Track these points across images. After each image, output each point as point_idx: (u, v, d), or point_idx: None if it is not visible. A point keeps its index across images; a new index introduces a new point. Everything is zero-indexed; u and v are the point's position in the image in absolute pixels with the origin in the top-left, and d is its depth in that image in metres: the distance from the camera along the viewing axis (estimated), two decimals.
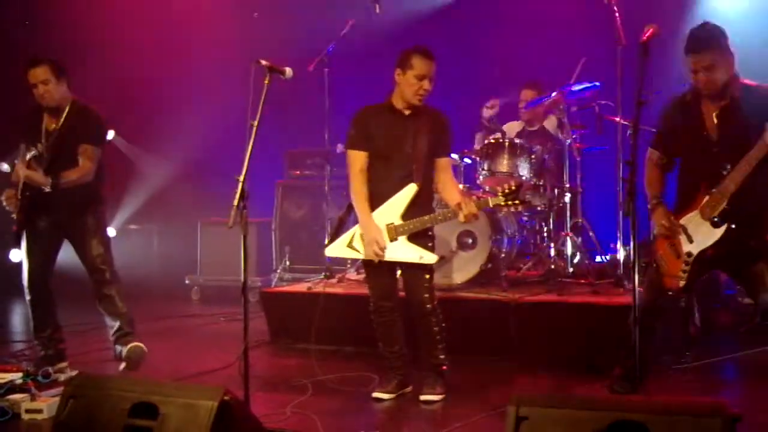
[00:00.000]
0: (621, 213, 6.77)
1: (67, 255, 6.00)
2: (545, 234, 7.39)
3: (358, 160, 5.21)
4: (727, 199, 4.41)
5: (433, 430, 4.79)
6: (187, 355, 6.72)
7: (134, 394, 3.67)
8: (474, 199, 5.20)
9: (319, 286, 7.17)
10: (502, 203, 5.13)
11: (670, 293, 4.69)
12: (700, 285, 5.41)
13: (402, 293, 5.38)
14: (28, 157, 5.62)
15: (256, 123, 4.37)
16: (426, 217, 5.15)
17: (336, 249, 5.38)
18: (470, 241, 6.74)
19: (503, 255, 6.85)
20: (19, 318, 8.87)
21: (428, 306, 5.20)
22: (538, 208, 7.38)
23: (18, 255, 10.04)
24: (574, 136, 7.29)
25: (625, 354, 4.69)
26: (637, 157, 4.35)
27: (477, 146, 7.53)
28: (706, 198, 4.48)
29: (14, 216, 5.73)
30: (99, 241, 5.87)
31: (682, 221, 4.57)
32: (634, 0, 7.15)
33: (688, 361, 5.80)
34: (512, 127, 7.97)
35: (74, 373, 5.39)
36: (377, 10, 7.89)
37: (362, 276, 7.07)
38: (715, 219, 4.44)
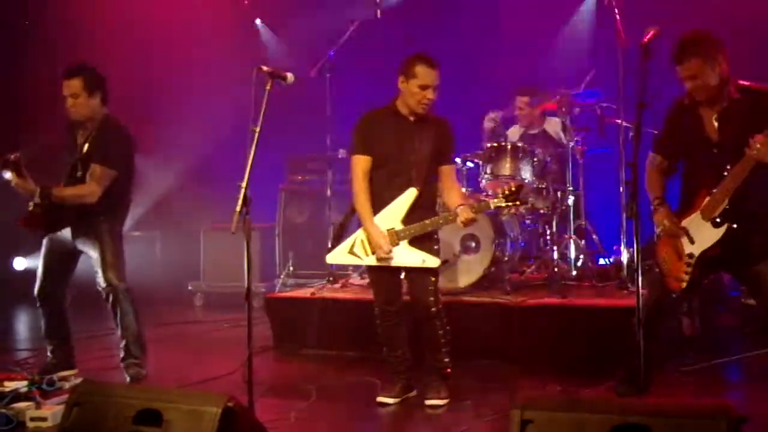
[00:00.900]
0: (624, 215, 6.76)
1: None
2: (548, 237, 7.39)
3: (361, 164, 5.21)
4: (728, 199, 4.41)
5: None
6: (190, 362, 6.72)
7: (138, 401, 3.66)
8: (475, 202, 5.21)
9: (322, 291, 7.18)
10: (503, 204, 5.14)
11: (674, 295, 4.68)
12: (703, 287, 5.41)
13: (406, 297, 5.38)
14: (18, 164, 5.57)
15: (258, 129, 4.37)
16: (427, 221, 5.15)
17: (337, 256, 5.38)
18: (473, 244, 6.74)
19: (506, 258, 6.84)
20: (23, 326, 8.87)
21: (433, 309, 5.20)
22: (541, 211, 7.37)
23: (22, 263, 10.14)
24: (576, 139, 7.28)
25: (630, 356, 4.68)
26: (640, 159, 4.35)
27: None
28: (707, 199, 4.48)
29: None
30: (111, 253, 5.79)
31: (684, 223, 4.57)
32: (635, 1, 7.15)
33: (693, 363, 5.79)
34: (513, 132, 7.97)
35: (79, 380, 5.39)
36: (378, 15, 7.90)
37: (366, 281, 7.08)
38: (716, 219, 4.44)
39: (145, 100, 10.10)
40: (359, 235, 5.25)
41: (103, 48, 9.64)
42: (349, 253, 5.30)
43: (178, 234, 10.48)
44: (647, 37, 4.30)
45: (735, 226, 4.42)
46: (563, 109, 7.21)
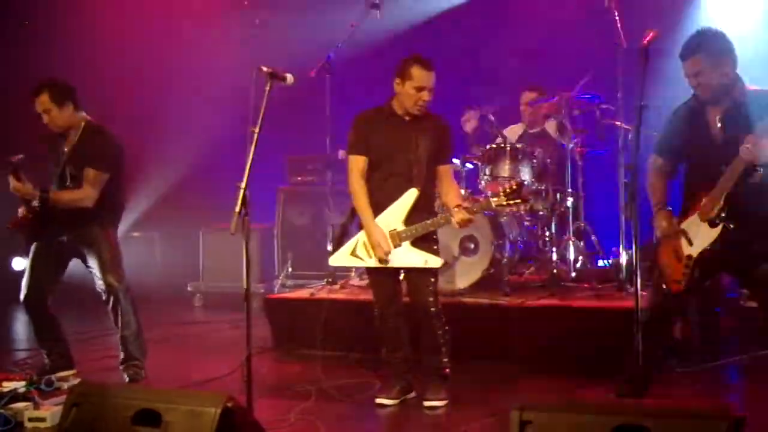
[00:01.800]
0: (623, 216, 6.77)
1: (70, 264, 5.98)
2: (547, 238, 7.38)
3: (357, 164, 5.22)
4: (724, 198, 4.40)
5: None
6: (190, 362, 6.72)
7: (137, 402, 3.66)
8: (475, 202, 5.21)
9: (322, 292, 7.17)
10: (504, 203, 5.14)
11: (675, 297, 4.68)
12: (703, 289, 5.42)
13: (406, 297, 5.38)
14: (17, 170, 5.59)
15: (257, 129, 4.37)
16: (428, 222, 5.15)
17: (340, 258, 5.39)
18: (473, 246, 6.74)
19: (505, 260, 6.84)
20: (22, 326, 8.86)
21: (432, 309, 5.20)
22: (540, 213, 7.37)
23: (21, 263, 10.11)
24: (575, 140, 7.29)
25: (630, 358, 4.68)
26: (639, 161, 4.35)
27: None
28: (704, 200, 4.48)
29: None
30: (109, 255, 5.80)
31: (683, 225, 4.58)
32: (634, 3, 7.15)
33: (694, 365, 5.79)
34: (514, 130, 7.97)
35: (77, 381, 5.39)
36: (378, 16, 7.89)
37: (365, 282, 7.07)
38: (713, 220, 4.44)
39: (144, 100, 10.10)
40: (361, 237, 5.25)
41: (102, 49, 9.66)
42: (351, 255, 5.30)
43: (178, 235, 10.48)
44: (647, 39, 4.31)
45: (732, 226, 4.42)
46: (562, 111, 7.21)
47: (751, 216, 4.47)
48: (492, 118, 7.38)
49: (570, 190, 7.14)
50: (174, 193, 10.66)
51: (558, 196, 7.27)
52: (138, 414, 3.62)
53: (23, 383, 5.15)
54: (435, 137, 5.24)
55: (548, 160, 7.34)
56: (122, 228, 10.38)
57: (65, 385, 5.42)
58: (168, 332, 7.73)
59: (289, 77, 4.64)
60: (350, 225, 5.42)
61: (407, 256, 5.15)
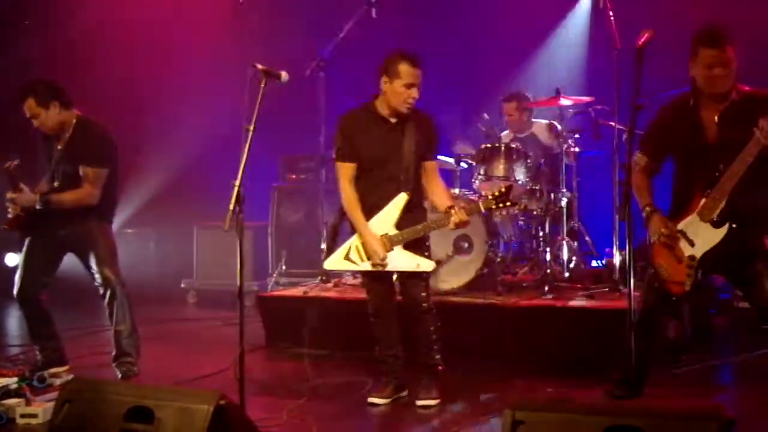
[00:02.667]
0: (617, 217, 6.78)
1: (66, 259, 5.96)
2: (541, 238, 7.38)
3: (347, 172, 5.20)
4: (726, 199, 4.40)
5: None
6: (182, 360, 6.71)
7: (130, 398, 3.66)
8: (466, 204, 5.20)
9: (315, 290, 7.17)
10: (493, 206, 5.13)
11: (674, 299, 4.67)
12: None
13: (399, 296, 5.38)
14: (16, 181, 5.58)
15: (251, 127, 4.36)
16: (419, 227, 5.14)
17: (334, 262, 5.37)
18: (466, 245, 6.74)
19: (499, 259, 6.84)
20: (15, 321, 8.85)
21: (424, 305, 5.21)
22: (534, 213, 7.37)
23: (14, 259, 10.09)
24: (570, 141, 7.29)
25: (623, 358, 4.68)
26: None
27: None
28: (704, 200, 4.46)
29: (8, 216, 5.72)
30: (105, 250, 5.79)
31: (679, 226, 4.56)
32: (629, 4, 7.16)
33: (686, 365, 5.81)
34: (505, 137, 8.00)
35: (70, 377, 5.38)
36: (373, 14, 7.89)
37: (358, 280, 7.07)
38: (716, 220, 4.42)
39: (138, 98, 10.09)
40: (354, 241, 5.23)
41: (97, 47, 9.65)
42: (345, 259, 5.28)
43: (172, 231, 10.47)
44: (641, 39, 4.31)
45: (734, 225, 4.41)
46: (558, 111, 7.22)
47: (750, 215, 4.47)
48: (487, 117, 7.39)
49: (564, 190, 7.15)
50: (168, 190, 10.65)
51: (552, 196, 7.27)
52: (130, 411, 3.61)
53: (15, 379, 5.14)
54: (422, 133, 5.21)
55: (542, 161, 7.35)
56: (116, 224, 10.37)
57: (58, 382, 5.41)
58: (161, 329, 7.71)
59: (284, 74, 4.64)
60: (340, 224, 5.42)
61: (400, 260, 5.14)
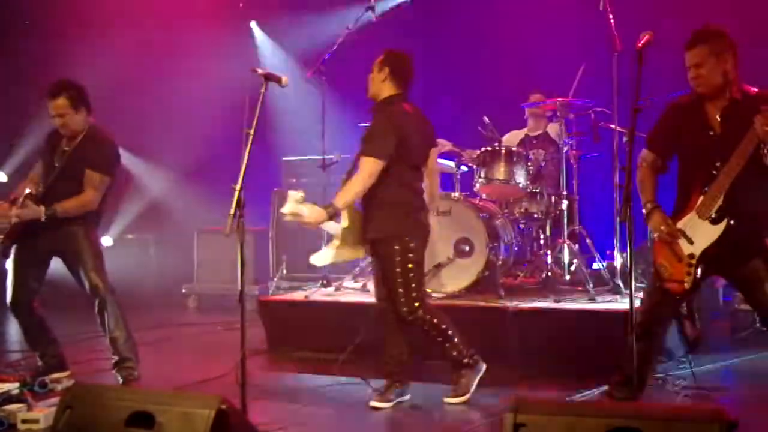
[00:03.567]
0: (617, 219, 6.77)
1: (60, 264, 5.94)
2: (542, 241, 7.39)
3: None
4: (723, 195, 4.39)
5: None
6: (184, 364, 6.71)
7: (131, 404, 3.65)
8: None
9: (316, 294, 7.17)
10: None
11: (677, 298, 4.67)
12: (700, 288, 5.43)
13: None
14: (21, 198, 5.51)
15: (252, 131, 4.37)
16: None
17: (320, 257, 5.36)
18: (467, 248, 6.74)
19: (500, 262, 6.84)
20: (15, 327, 8.83)
21: (404, 311, 5.17)
22: (535, 216, 7.38)
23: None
24: (571, 142, 7.30)
25: (624, 360, 4.67)
26: (634, 164, 4.34)
27: None
28: (701, 198, 4.47)
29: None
30: (92, 257, 5.76)
31: (679, 225, 4.56)
32: (629, 7, 7.17)
33: (687, 367, 5.80)
34: (516, 135, 8.02)
35: (71, 382, 5.37)
36: (374, 19, 7.90)
37: (359, 284, 7.09)
38: (714, 216, 4.42)
39: (139, 102, 10.10)
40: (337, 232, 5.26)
41: (97, 50, 9.64)
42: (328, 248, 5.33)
43: (172, 236, 10.47)
44: (641, 42, 4.31)
45: (732, 222, 4.41)
46: (558, 114, 7.23)
47: (746, 211, 4.46)
48: (487, 120, 7.39)
49: (565, 192, 7.15)
50: (168, 195, 10.66)
51: (553, 199, 7.28)
52: (131, 416, 3.61)
53: (17, 385, 5.13)
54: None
55: (543, 163, 7.35)
56: (117, 230, 10.47)
57: (59, 387, 5.41)
58: (162, 334, 7.71)
59: (284, 79, 4.65)
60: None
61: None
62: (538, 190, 7.23)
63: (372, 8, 7.88)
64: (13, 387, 5.10)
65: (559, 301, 6.41)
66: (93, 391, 3.84)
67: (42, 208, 5.51)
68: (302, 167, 9.46)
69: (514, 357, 6.03)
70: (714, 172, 4.42)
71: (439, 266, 6.67)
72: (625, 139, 6.58)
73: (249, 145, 4.35)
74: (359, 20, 7.85)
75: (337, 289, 7.35)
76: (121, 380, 5.69)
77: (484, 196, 7.27)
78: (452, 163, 7.36)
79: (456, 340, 5.30)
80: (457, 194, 7.01)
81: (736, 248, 4.48)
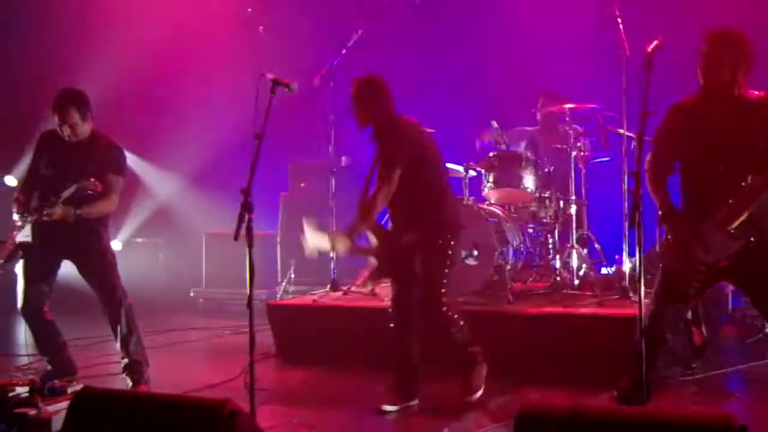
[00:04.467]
0: (626, 224, 6.76)
1: (68, 268, 5.93)
2: (551, 246, 7.38)
3: None
4: (748, 211, 4.35)
5: None
6: (192, 368, 6.73)
7: (139, 407, 3.66)
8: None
9: (324, 299, 7.17)
10: None
11: (681, 302, 4.65)
12: (708, 295, 5.42)
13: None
14: (65, 194, 5.49)
15: (260, 135, 4.37)
16: None
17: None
18: (476, 252, 6.73)
19: (509, 267, 6.83)
20: (24, 331, 8.85)
21: (443, 310, 5.32)
22: (544, 220, 7.38)
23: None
24: (578, 144, 7.29)
25: (632, 365, 4.67)
26: (642, 168, 4.34)
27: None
28: (724, 209, 4.41)
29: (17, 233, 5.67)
30: (109, 262, 5.79)
31: (696, 230, 4.50)
32: (637, 12, 7.16)
33: (696, 373, 5.80)
34: (522, 132, 7.99)
35: (80, 386, 5.38)
36: (381, 23, 7.91)
37: (367, 289, 7.08)
38: (733, 231, 4.38)
39: (148, 106, 10.13)
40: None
41: (106, 55, 9.67)
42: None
43: (181, 240, 10.50)
44: (650, 47, 4.31)
45: (753, 240, 4.38)
46: (567, 118, 7.21)
47: (765, 225, 4.44)
48: (496, 125, 7.39)
49: (573, 197, 7.14)
50: (177, 199, 10.68)
51: (561, 203, 7.27)
52: (140, 420, 3.61)
53: (26, 388, 5.14)
54: None
55: (552, 168, 7.34)
56: (126, 234, 10.50)
57: (68, 391, 5.42)
58: (171, 338, 7.73)
59: (294, 84, 4.65)
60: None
61: None
62: (546, 195, 7.22)
63: (381, 12, 7.89)
64: (23, 391, 5.10)
65: (567, 306, 6.40)
66: (102, 395, 3.84)
67: (71, 209, 5.51)
68: (310, 171, 9.49)
69: (522, 361, 6.02)
70: (742, 183, 4.38)
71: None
72: (633, 143, 6.57)
73: (257, 150, 4.35)
74: (367, 25, 7.86)
75: (345, 293, 7.36)
76: (130, 384, 5.70)
77: (492, 201, 7.26)
78: (461, 168, 7.36)
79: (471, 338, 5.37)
80: (465, 199, 7.01)
81: (747, 259, 4.46)
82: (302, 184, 9.61)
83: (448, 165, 7.31)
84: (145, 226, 10.64)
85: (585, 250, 7.28)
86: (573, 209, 7.11)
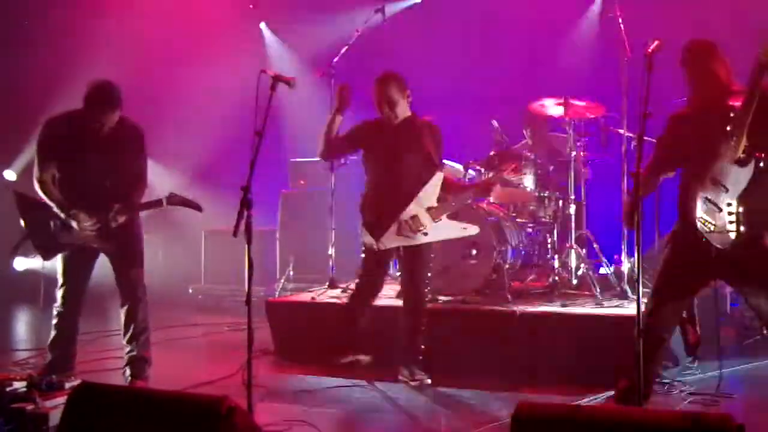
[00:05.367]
0: (625, 224, 6.76)
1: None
2: (549, 245, 7.39)
3: None
4: (746, 134, 4.33)
5: None
6: (190, 365, 6.73)
7: (137, 403, 3.66)
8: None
9: (323, 296, 7.17)
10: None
11: (675, 301, 4.66)
12: (705, 295, 5.41)
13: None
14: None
15: (261, 132, 4.37)
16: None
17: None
18: (475, 251, 6.73)
19: (508, 266, 6.84)
20: (23, 326, 8.88)
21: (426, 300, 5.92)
22: (543, 220, 7.38)
23: (22, 263, 10.12)
24: (578, 144, 7.29)
25: (630, 366, 4.66)
26: (642, 169, 4.34)
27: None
28: (726, 143, 4.39)
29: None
30: (140, 255, 5.82)
31: (708, 174, 4.47)
32: (638, 13, 7.16)
33: (693, 373, 5.80)
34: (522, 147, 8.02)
35: (78, 381, 5.38)
36: (382, 20, 7.90)
37: None
38: (741, 157, 4.35)
39: (148, 102, 10.11)
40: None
41: (107, 50, 9.68)
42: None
43: (180, 237, 10.50)
44: (651, 47, 4.31)
45: (743, 229, 4.37)
46: (567, 119, 7.21)
47: (761, 221, 4.43)
48: (496, 124, 7.39)
49: (573, 197, 7.14)
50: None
51: (561, 203, 7.28)
52: (138, 415, 3.62)
53: (24, 383, 5.14)
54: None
55: (552, 168, 7.34)
56: None
57: (66, 386, 5.41)
58: (169, 334, 7.73)
59: (293, 81, 4.65)
60: None
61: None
62: (546, 195, 7.23)
63: (381, 10, 7.88)
64: (20, 385, 5.10)
65: (565, 306, 6.41)
66: (100, 390, 3.85)
67: (128, 209, 5.54)
68: (309, 169, 9.49)
69: (521, 361, 6.02)
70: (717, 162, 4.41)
71: (446, 269, 6.66)
72: (633, 144, 6.57)
73: (257, 147, 4.35)
74: (368, 22, 7.86)
75: (344, 290, 7.35)
76: (129, 379, 5.70)
77: (491, 200, 7.26)
78: (460, 167, 7.37)
79: None
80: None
81: (739, 253, 4.45)
82: (302, 182, 9.60)
83: (448, 163, 7.34)
84: (144, 223, 10.62)
85: (584, 250, 7.28)
86: (572, 209, 7.13)
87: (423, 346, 5.85)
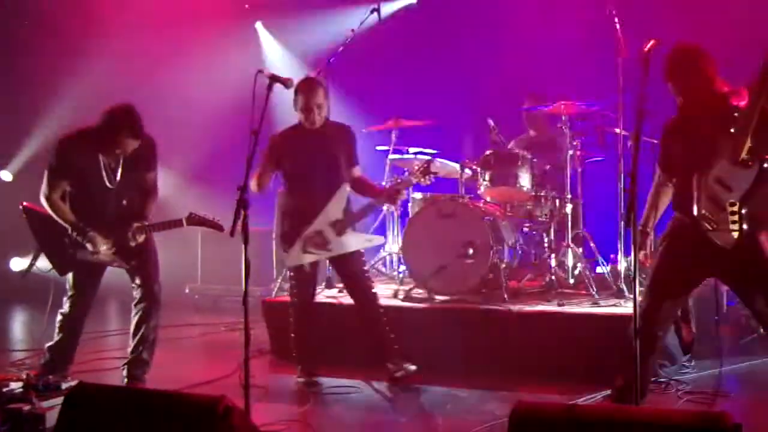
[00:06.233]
0: (622, 224, 6.76)
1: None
2: (546, 245, 7.39)
3: None
4: (750, 137, 4.32)
5: None
6: (187, 365, 6.72)
7: (134, 404, 3.66)
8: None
9: (319, 296, 7.16)
10: (420, 179, 5.82)
11: (671, 299, 4.68)
12: (702, 294, 5.41)
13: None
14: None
15: (257, 132, 4.37)
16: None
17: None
18: (471, 251, 6.73)
19: (504, 265, 6.83)
20: (19, 326, 8.87)
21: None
22: (539, 219, 7.38)
23: (19, 264, 10.09)
24: (575, 143, 7.29)
25: (626, 364, 4.67)
26: (638, 168, 4.34)
27: None
28: (730, 143, 4.38)
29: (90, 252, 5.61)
30: (158, 272, 5.98)
31: (711, 173, 4.46)
32: (635, 12, 7.16)
33: (690, 372, 5.80)
34: (522, 140, 8.01)
35: (74, 382, 5.38)
36: (378, 21, 7.90)
37: None
38: (745, 158, 4.35)
39: (144, 102, 10.05)
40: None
41: (102, 50, 9.66)
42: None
43: (176, 236, 10.44)
44: (648, 46, 4.31)
45: (746, 227, 4.38)
46: (563, 118, 7.21)
47: (761, 221, 4.43)
48: (492, 123, 7.38)
49: (569, 196, 7.15)
50: (173, 196, 10.65)
51: (557, 202, 7.28)
52: (135, 416, 3.61)
53: (20, 384, 5.14)
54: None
55: (548, 167, 7.34)
56: None
57: (63, 386, 5.41)
58: (165, 334, 7.69)
59: (291, 81, 4.66)
60: None
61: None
62: (542, 194, 7.23)
63: (377, 10, 7.87)
64: (17, 386, 5.10)
65: (562, 305, 6.41)
66: (97, 391, 3.84)
67: (145, 226, 5.70)
68: None
69: (517, 360, 6.03)
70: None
71: (443, 268, 6.66)
72: (630, 143, 6.58)
73: (254, 146, 4.35)
74: (364, 22, 7.86)
75: (340, 291, 7.35)
76: (126, 379, 5.70)
77: (488, 199, 7.27)
78: (457, 166, 7.37)
79: None
80: (461, 197, 7.01)
81: (734, 251, 4.45)
82: None
83: (446, 162, 7.34)
84: None
85: (580, 249, 7.28)
86: (569, 208, 7.12)
87: (393, 335, 5.85)
